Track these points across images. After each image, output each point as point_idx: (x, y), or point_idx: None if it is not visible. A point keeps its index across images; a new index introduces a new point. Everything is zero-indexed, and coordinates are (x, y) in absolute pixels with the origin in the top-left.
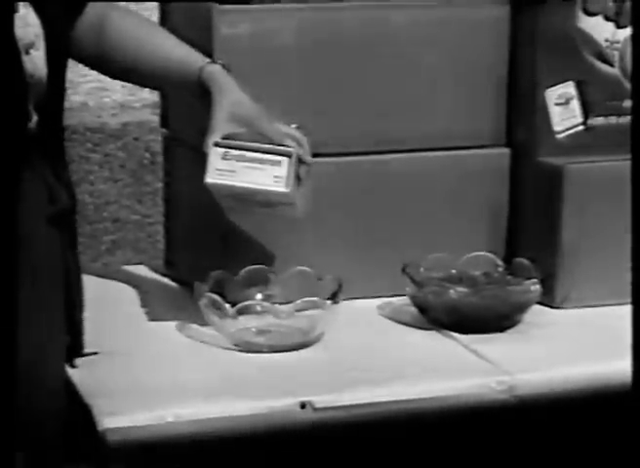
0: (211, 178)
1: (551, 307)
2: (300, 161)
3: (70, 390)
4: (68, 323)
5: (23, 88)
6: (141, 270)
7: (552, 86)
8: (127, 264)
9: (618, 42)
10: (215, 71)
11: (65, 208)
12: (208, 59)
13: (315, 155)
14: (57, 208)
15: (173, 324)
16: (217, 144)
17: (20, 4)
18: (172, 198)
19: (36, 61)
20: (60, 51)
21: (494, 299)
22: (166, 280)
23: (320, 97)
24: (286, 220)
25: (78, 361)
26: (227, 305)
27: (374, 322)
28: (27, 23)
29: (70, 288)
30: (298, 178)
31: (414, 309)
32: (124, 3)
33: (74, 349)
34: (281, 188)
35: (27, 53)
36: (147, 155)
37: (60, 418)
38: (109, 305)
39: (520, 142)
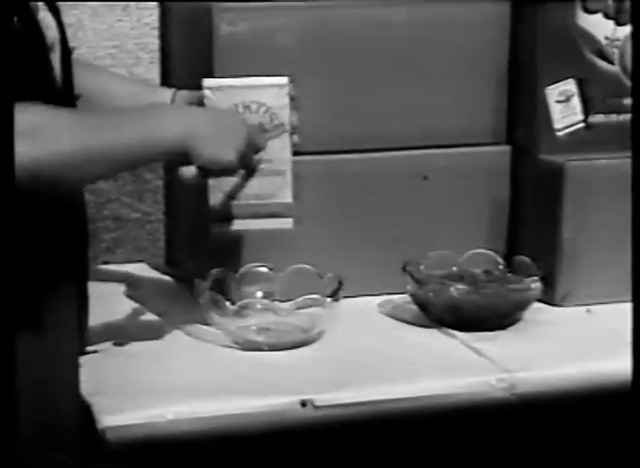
0: (211, 82)
1: (552, 305)
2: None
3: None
4: None
5: (52, 91)
6: (142, 268)
7: (553, 83)
8: (128, 262)
9: (618, 40)
10: (185, 93)
11: (76, 207)
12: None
13: (315, 153)
14: (68, 208)
15: (173, 322)
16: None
17: (40, 7)
18: (172, 196)
19: (55, 64)
20: (70, 53)
21: (494, 297)
22: (166, 278)
23: (320, 95)
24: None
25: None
26: (228, 303)
27: (374, 320)
28: (47, 26)
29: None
30: (291, 99)
31: (414, 307)
32: (124, 3)
33: None
34: (282, 80)
35: None
36: None
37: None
38: (110, 303)
39: (521, 140)
